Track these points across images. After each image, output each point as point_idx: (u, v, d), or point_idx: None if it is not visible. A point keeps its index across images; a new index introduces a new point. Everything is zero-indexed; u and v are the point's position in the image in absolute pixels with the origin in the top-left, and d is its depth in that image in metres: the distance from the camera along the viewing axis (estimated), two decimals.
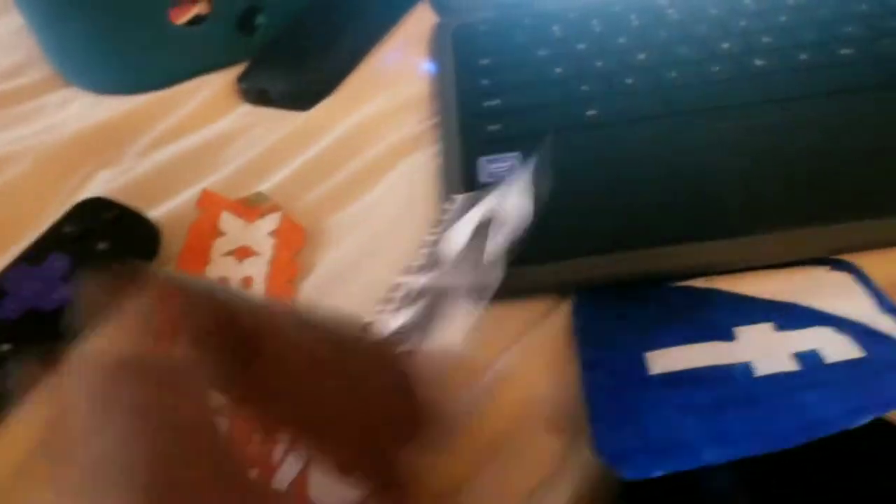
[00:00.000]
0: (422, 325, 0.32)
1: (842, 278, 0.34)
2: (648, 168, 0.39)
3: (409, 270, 0.36)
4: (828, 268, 0.35)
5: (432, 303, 0.33)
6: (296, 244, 0.39)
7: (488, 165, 0.41)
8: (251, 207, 0.41)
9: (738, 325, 0.32)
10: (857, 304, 0.32)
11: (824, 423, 0.26)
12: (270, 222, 0.40)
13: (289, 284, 0.37)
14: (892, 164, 0.37)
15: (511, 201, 0.35)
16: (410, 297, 0.34)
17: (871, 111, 0.40)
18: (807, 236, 0.35)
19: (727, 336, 0.32)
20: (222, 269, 0.38)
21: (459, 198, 0.38)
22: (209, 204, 0.42)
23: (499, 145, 0.42)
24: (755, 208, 0.36)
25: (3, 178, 0.47)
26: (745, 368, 0.30)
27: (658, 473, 0.26)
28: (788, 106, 0.40)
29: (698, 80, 0.43)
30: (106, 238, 0.39)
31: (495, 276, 0.32)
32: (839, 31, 0.45)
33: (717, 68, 0.44)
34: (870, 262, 0.34)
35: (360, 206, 0.42)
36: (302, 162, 0.45)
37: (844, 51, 0.43)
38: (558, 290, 0.36)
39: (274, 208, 0.41)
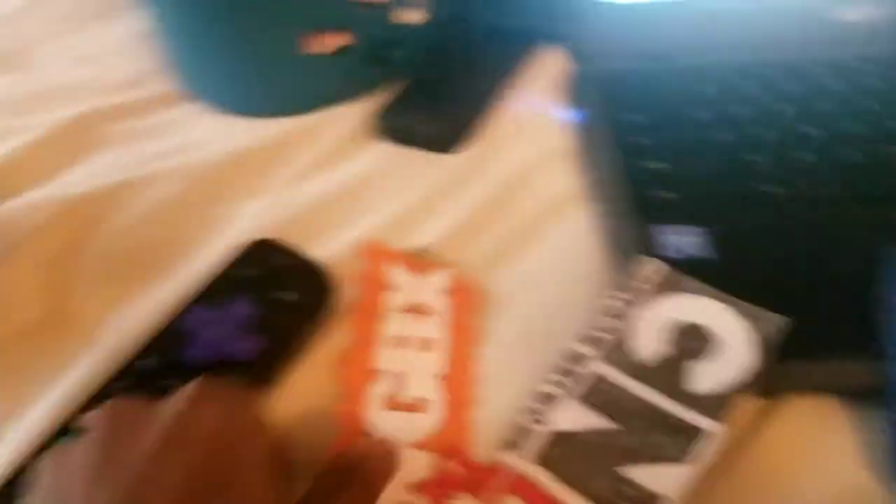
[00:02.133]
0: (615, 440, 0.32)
1: None
2: (849, 264, 0.37)
3: (586, 339, 0.35)
4: None
5: (621, 415, 0.32)
6: (472, 306, 0.38)
7: (668, 237, 0.40)
8: (419, 262, 0.40)
9: None
10: None
11: None
12: (441, 280, 0.39)
13: (470, 350, 0.36)
14: None
15: (732, 332, 0.34)
16: (589, 381, 0.34)
17: None
18: None
19: None
20: (399, 326, 0.37)
21: (650, 267, 0.37)
22: (373, 254, 0.40)
23: (674, 214, 0.41)
24: None
25: (150, 199, 0.46)
26: None
27: None
28: None
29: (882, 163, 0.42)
30: (285, 286, 0.38)
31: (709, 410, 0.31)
32: None
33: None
34: None
35: (524, 266, 0.41)
36: (455, 213, 0.44)
37: None
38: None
39: (442, 265, 0.40)
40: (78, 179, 0.49)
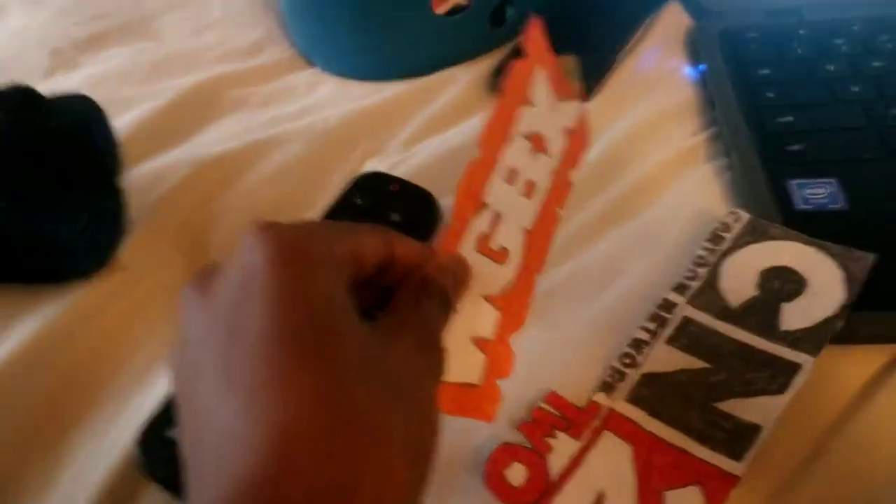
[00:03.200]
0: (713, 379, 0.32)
1: None
2: None
3: (676, 287, 0.36)
4: None
5: (710, 354, 0.33)
6: (579, 159, 0.35)
7: (801, 190, 0.39)
8: (564, 78, 0.36)
9: None
10: None
11: None
12: (571, 112, 0.36)
13: (558, 208, 0.33)
14: None
15: (821, 271, 0.34)
16: (675, 323, 0.34)
17: None
18: None
19: None
20: (517, 154, 0.33)
21: (743, 216, 0.37)
22: (534, 50, 0.35)
23: (805, 168, 0.40)
24: None
25: (275, 160, 0.48)
26: None
27: None
28: None
29: None
30: (396, 209, 0.41)
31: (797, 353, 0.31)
32: None
33: None
34: None
35: (642, 219, 0.41)
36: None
37: None
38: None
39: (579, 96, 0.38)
40: (206, 142, 0.51)
